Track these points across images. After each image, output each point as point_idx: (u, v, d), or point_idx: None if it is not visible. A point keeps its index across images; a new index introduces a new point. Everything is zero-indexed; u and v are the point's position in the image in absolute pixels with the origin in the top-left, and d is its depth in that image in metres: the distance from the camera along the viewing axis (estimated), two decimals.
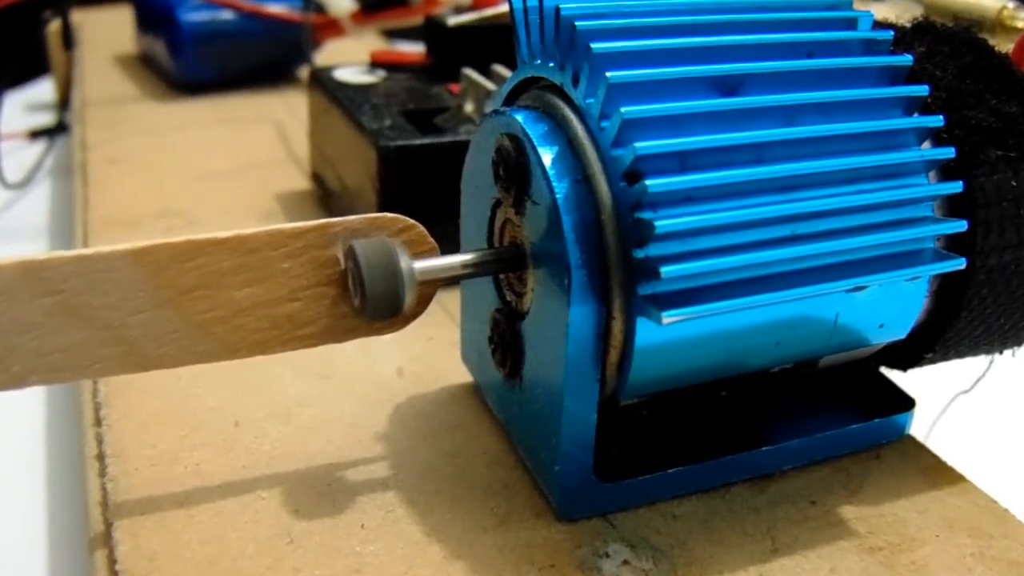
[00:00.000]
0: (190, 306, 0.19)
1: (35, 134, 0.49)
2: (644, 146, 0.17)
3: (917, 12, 0.26)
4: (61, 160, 0.48)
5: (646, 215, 0.17)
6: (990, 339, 0.23)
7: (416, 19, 0.45)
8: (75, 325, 0.19)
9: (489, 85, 0.32)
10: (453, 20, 0.37)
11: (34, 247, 0.41)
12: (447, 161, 0.27)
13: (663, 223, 0.17)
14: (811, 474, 0.23)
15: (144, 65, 0.52)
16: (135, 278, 0.19)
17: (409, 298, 0.19)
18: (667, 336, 0.19)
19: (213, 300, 0.19)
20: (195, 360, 0.20)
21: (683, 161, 0.18)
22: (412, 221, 0.21)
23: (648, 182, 0.17)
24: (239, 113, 0.46)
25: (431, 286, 0.21)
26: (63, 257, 0.18)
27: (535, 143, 0.19)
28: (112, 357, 0.19)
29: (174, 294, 0.19)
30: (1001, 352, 0.24)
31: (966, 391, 0.26)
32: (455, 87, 0.34)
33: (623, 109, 0.18)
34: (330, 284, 0.20)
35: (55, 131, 0.49)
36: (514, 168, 0.19)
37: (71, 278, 0.18)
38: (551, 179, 0.18)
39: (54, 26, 0.52)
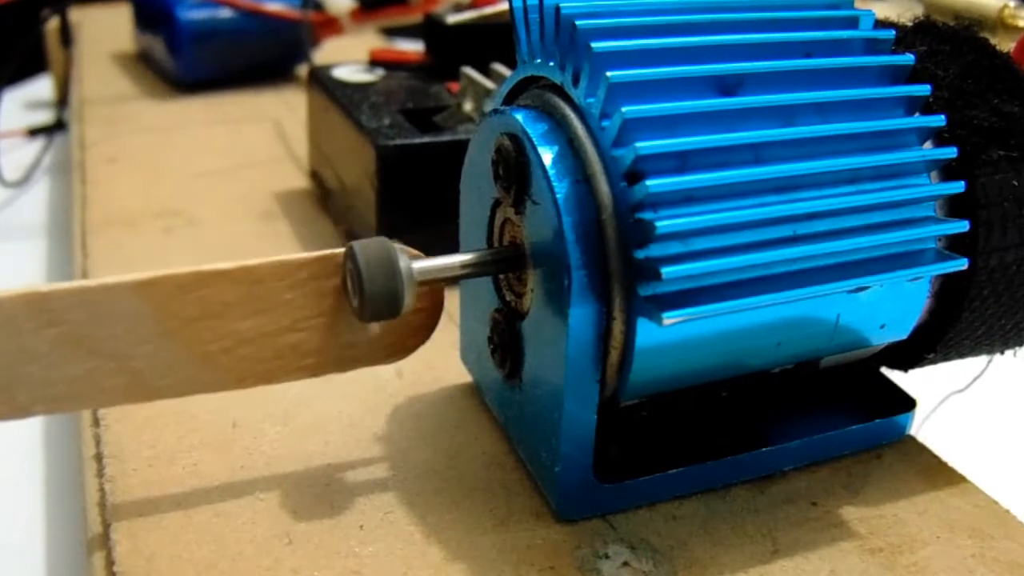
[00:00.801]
0: (194, 336, 0.19)
1: (34, 132, 0.49)
2: (645, 146, 0.17)
3: (918, 11, 0.26)
4: (60, 158, 0.48)
5: (647, 215, 0.17)
6: (991, 339, 0.23)
7: (415, 17, 0.45)
8: (79, 356, 0.19)
9: (488, 84, 0.32)
10: (452, 18, 0.37)
11: (33, 245, 0.41)
12: (446, 160, 0.27)
13: (664, 223, 0.17)
14: (812, 475, 0.23)
15: (143, 63, 0.52)
16: (139, 309, 0.19)
17: (408, 298, 0.19)
18: (668, 337, 0.19)
19: (217, 331, 0.20)
20: (200, 390, 0.20)
21: (684, 161, 0.18)
22: (415, 251, 0.21)
23: (649, 182, 0.17)
24: (238, 112, 0.46)
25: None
26: (67, 288, 0.18)
27: (535, 143, 0.19)
28: (117, 387, 0.19)
29: (178, 325, 0.19)
30: (1002, 352, 0.24)
31: (960, 390, 0.26)
32: (454, 86, 0.34)
33: (624, 109, 0.17)
34: (333, 314, 0.20)
35: (54, 129, 0.49)
36: (514, 168, 0.19)
37: (75, 309, 0.18)
38: (551, 179, 0.18)
39: (52, 24, 0.52)
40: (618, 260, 0.18)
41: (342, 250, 0.20)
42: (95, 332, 0.19)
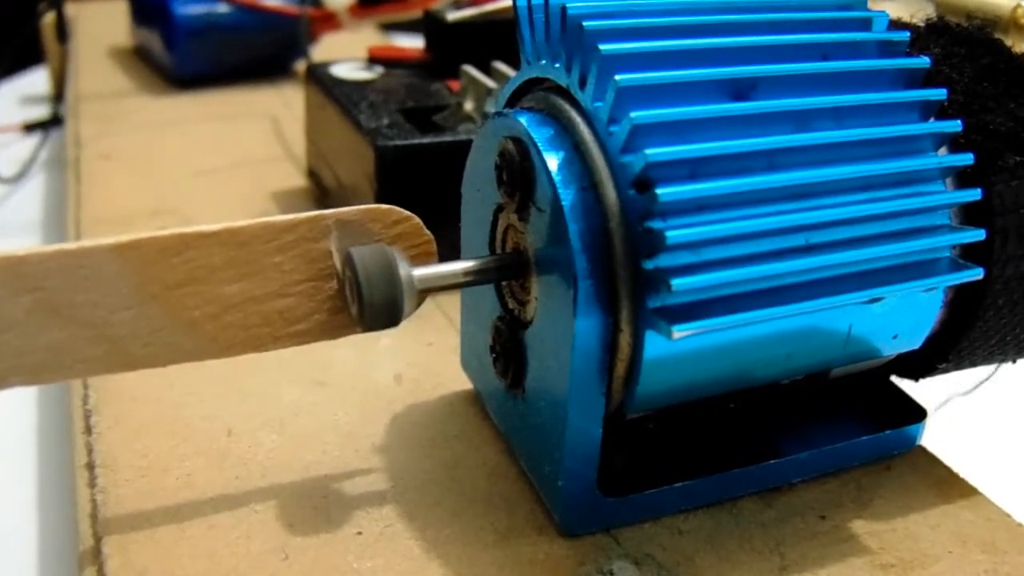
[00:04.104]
0: (178, 302, 0.19)
1: (30, 127, 0.48)
2: (655, 153, 0.17)
3: (930, 11, 0.26)
4: (55, 154, 0.47)
5: (656, 224, 0.17)
6: (1005, 348, 0.22)
7: (415, 13, 0.44)
8: (57, 323, 0.18)
9: (490, 83, 0.31)
10: (453, 15, 0.36)
11: (28, 242, 0.41)
12: (446, 161, 0.27)
13: (674, 233, 0.16)
14: (820, 487, 0.22)
15: (139, 58, 0.52)
16: (120, 273, 0.18)
17: (408, 307, 0.19)
18: (676, 349, 0.18)
19: (202, 296, 0.19)
20: (183, 359, 0.19)
21: (694, 168, 0.17)
22: (407, 213, 0.20)
23: (659, 190, 0.16)
24: (235, 108, 0.45)
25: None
26: (43, 252, 0.18)
27: (540, 147, 0.18)
28: (96, 356, 0.18)
29: (161, 290, 0.18)
30: (1015, 361, 0.23)
31: (964, 393, 0.26)
32: (455, 84, 0.34)
33: (633, 114, 0.17)
34: (323, 279, 0.20)
35: (50, 124, 0.49)
36: (518, 173, 0.19)
37: (52, 274, 0.18)
38: (557, 185, 0.18)
39: (48, 18, 0.51)
40: (626, 270, 0.17)
41: (330, 211, 0.19)
42: (73, 298, 0.18)
